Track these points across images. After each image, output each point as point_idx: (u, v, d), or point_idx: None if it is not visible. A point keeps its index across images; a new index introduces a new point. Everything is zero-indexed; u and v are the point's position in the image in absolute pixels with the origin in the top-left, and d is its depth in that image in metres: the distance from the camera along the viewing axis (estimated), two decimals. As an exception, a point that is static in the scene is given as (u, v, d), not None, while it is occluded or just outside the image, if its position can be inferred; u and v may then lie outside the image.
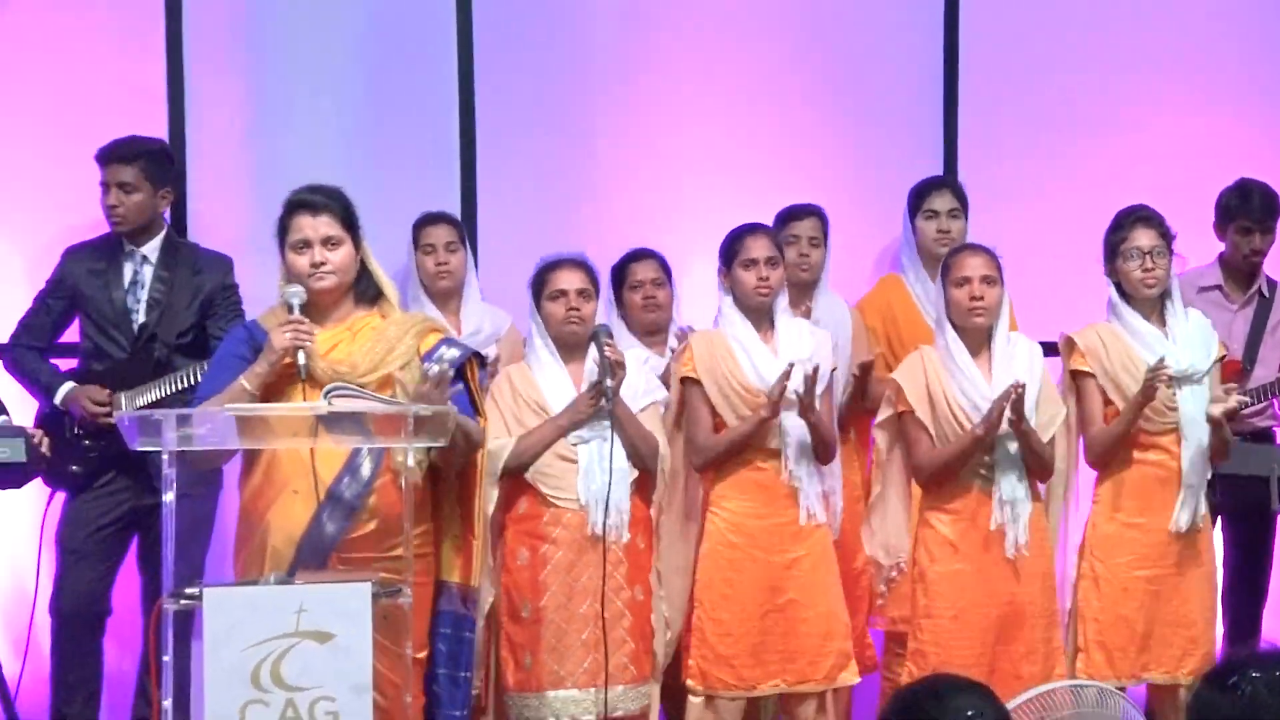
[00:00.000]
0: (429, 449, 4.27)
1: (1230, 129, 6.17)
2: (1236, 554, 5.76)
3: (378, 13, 5.98)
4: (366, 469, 4.25)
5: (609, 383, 4.79)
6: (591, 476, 4.86)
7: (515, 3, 6.04)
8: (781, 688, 5.02)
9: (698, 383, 5.00)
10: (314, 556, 4.19)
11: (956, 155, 6.15)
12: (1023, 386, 4.75)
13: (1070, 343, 5.11)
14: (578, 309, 4.92)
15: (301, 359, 4.18)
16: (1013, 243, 5.41)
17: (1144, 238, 5.03)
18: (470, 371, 4.48)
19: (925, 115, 6.16)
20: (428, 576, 4.39)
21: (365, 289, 4.42)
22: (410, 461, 4.11)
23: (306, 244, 4.30)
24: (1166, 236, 5.07)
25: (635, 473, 4.93)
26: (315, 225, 4.31)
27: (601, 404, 4.83)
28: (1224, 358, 5.20)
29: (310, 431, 4.12)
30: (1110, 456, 5.05)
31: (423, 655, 4.40)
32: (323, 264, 4.30)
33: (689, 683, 5.03)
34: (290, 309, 4.26)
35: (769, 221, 5.47)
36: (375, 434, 4.12)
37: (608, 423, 4.82)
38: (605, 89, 6.09)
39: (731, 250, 5.05)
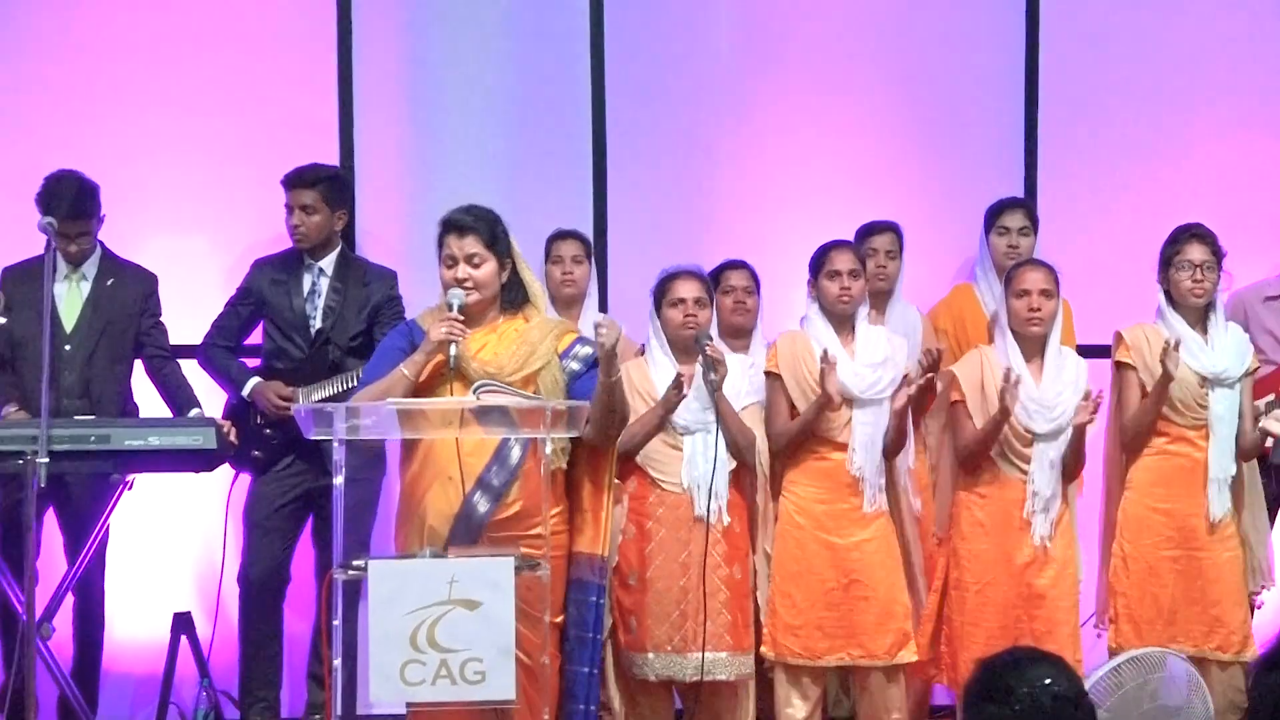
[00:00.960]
0: (570, 439, 4.33)
1: None
2: None
3: (520, 54, 6.01)
4: (514, 457, 4.31)
5: (712, 376, 4.85)
6: (694, 464, 4.92)
7: (644, 42, 6.03)
8: (846, 661, 5.05)
9: (778, 377, 5.05)
10: (465, 535, 4.25)
11: (1036, 179, 6.12)
12: (1018, 378, 4.87)
13: (1119, 337, 5.16)
14: (694, 315, 4.98)
15: (453, 351, 4.25)
16: (1081, 255, 5.49)
17: (1196, 252, 5.08)
18: None
19: (1006, 142, 6.13)
20: (562, 551, 4.42)
21: (513, 297, 4.47)
22: (548, 450, 4.15)
23: (454, 260, 4.40)
24: (1217, 253, 5.10)
25: (734, 463, 4.97)
26: (461, 245, 4.39)
27: (685, 394, 4.87)
28: (1256, 370, 5.20)
29: (461, 423, 4.17)
30: (1141, 440, 5.10)
31: (559, 620, 4.43)
32: (465, 280, 4.38)
33: (763, 649, 5.06)
34: (450, 308, 4.33)
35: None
36: (520, 425, 4.16)
37: (712, 417, 4.88)
38: (723, 119, 6.08)
39: (819, 263, 5.10)
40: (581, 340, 4.52)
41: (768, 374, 5.11)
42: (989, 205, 5.85)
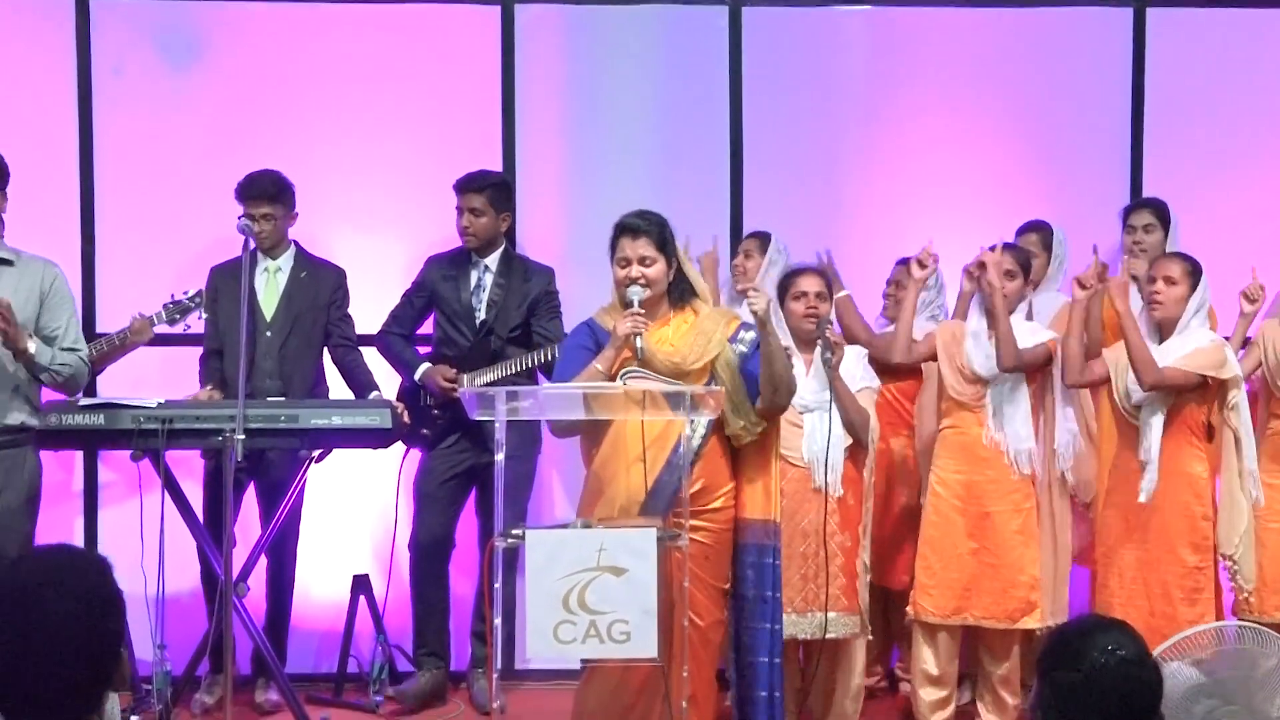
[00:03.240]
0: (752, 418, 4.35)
1: None
2: None
3: (665, 72, 5.99)
4: (697, 439, 4.31)
5: (829, 357, 4.83)
6: (814, 439, 4.88)
7: (779, 61, 5.99)
8: (969, 621, 5.01)
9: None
10: (655, 510, 4.24)
11: (1142, 187, 6.01)
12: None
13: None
14: (815, 307, 4.96)
15: (639, 343, 4.26)
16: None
17: None
18: None
19: (1116, 154, 6.04)
20: (731, 524, 4.43)
21: (681, 294, 4.47)
22: (686, 430, 4.16)
23: (627, 261, 4.39)
24: None
25: (849, 440, 4.93)
26: (635, 246, 4.39)
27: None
28: None
29: (640, 407, 4.17)
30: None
31: (728, 586, 4.45)
32: (639, 278, 4.36)
33: (907, 610, 5.11)
34: (631, 304, 4.32)
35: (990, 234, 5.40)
36: (695, 408, 4.14)
37: (828, 396, 4.84)
38: (852, 133, 6.04)
39: (784, 287, 5.04)
40: (745, 326, 4.50)
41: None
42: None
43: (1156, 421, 4.88)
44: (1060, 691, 2.65)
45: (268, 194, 5.43)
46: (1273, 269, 5.19)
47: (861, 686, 5.10)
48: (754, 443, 4.48)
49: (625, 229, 4.43)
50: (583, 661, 4.33)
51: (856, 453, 5.00)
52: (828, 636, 4.89)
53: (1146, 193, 5.96)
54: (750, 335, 4.45)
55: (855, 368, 5.03)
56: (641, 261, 4.39)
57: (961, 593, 5.01)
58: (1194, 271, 4.95)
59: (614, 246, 4.44)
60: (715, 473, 4.34)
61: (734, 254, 5.70)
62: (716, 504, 4.35)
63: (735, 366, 4.40)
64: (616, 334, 4.31)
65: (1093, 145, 6.05)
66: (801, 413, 4.94)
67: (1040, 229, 5.62)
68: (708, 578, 4.28)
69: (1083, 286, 5.01)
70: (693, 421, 4.26)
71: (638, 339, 4.27)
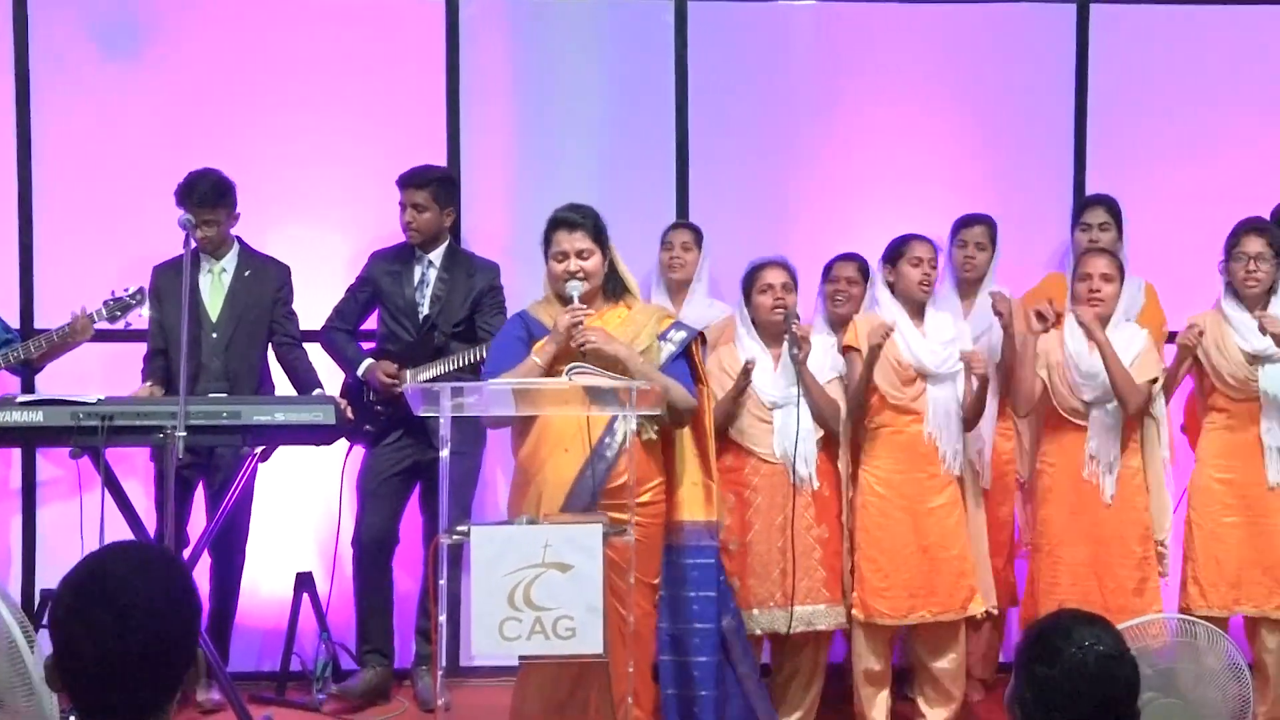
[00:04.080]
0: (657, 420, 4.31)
1: None
2: None
3: (612, 66, 6.01)
4: (620, 432, 4.30)
5: (795, 352, 4.87)
6: (785, 434, 4.92)
7: (725, 54, 6.02)
8: (926, 618, 5.02)
9: (857, 351, 5.02)
10: (580, 503, 4.27)
11: (1084, 180, 6.07)
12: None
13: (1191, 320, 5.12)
14: (782, 299, 4.99)
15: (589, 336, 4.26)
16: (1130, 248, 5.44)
17: (1252, 245, 5.04)
18: (695, 348, 4.54)
19: (1059, 147, 6.09)
20: (660, 519, 4.44)
21: (613, 287, 4.48)
22: (632, 425, 4.16)
23: (564, 254, 4.40)
24: (1274, 245, 5.05)
25: (820, 431, 4.97)
26: (571, 240, 4.40)
27: (749, 379, 4.92)
28: None
29: (577, 402, 4.20)
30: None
31: (657, 581, 4.45)
32: (577, 271, 4.37)
33: (853, 612, 5.04)
34: (572, 299, 4.33)
35: (938, 228, 5.50)
36: (608, 404, 4.16)
37: (797, 391, 4.86)
38: (799, 126, 6.05)
39: (899, 251, 5.08)
40: (677, 325, 4.53)
41: (847, 349, 5.09)
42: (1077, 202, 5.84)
43: (1113, 421, 4.96)
44: (1038, 686, 2.66)
45: (209, 201, 5.40)
46: (1212, 263, 5.25)
47: (824, 679, 5.15)
48: (695, 445, 4.50)
49: (561, 223, 4.44)
50: (520, 659, 4.34)
51: (828, 444, 5.02)
52: (811, 629, 4.95)
53: (1090, 186, 6.03)
54: (680, 335, 4.47)
55: (823, 358, 5.05)
56: (579, 255, 4.40)
57: (915, 590, 5.03)
58: (1122, 268, 5.07)
59: (549, 241, 4.45)
60: (641, 466, 4.31)
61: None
62: (644, 498, 4.33)
63: (659, 363, 4.40)
64: (556, 328, 4.32)
65: (1037, 139, 6.10)
66: (770, 409, 4.96)
67: (985, 222, 5.66)
68: (637, 572, 4.25)
69: (1042, 319, 5.01)
70: (622, 416, 4.25)
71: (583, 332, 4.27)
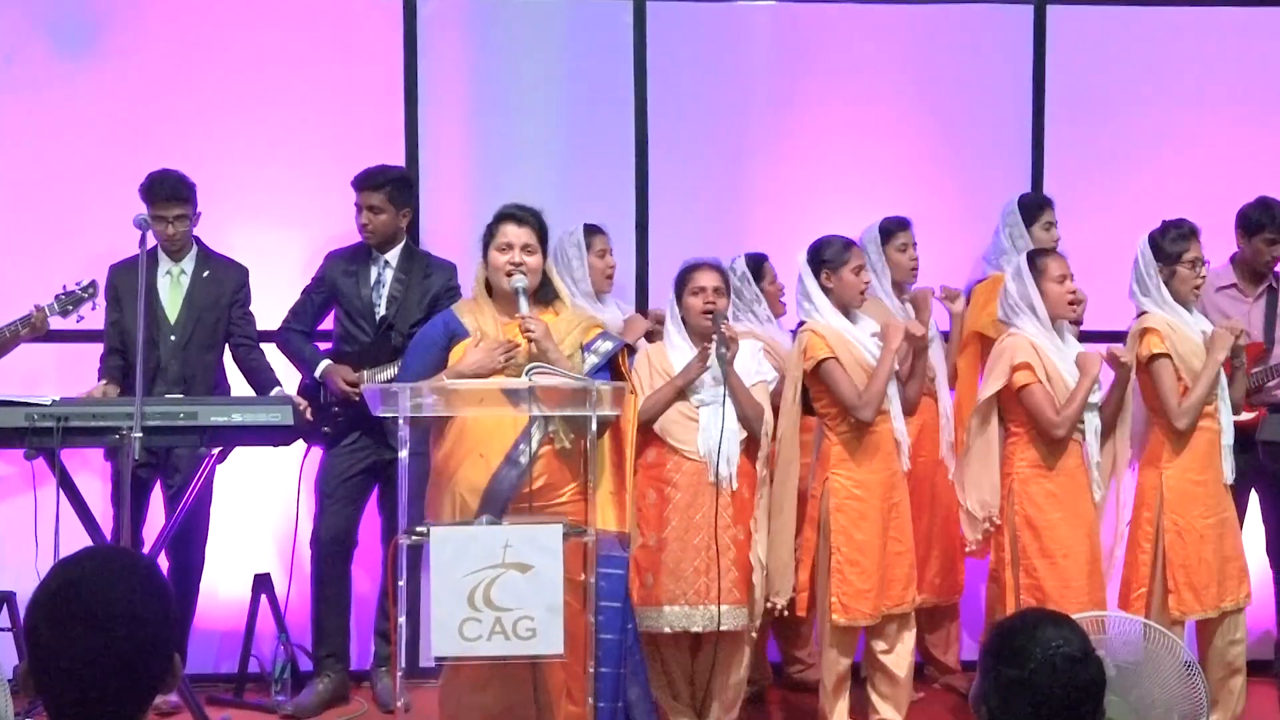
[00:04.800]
0: (573, 426, 4.28)
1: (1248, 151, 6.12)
2: (1277, 508, 5.73)
3: (570, 64, 6.04)
4: (536, 437, 4.28)
5: (723, 351, 4.86)
6: (709, 433, 4.93)
7: (683, 53, 6.05)
8: (885, 610, 5.05)
9: (837, 359, 5.01)
10: (493, 507, 4.22)
11: (1043, 177, 6.13)
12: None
13: (1148, 330, 5.04)
14: (713, 302, 4.99)
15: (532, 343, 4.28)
16: (1086, 247, 5.50)
17: (1197, 249, 5.09)
18: (620, 359, 4.53)
19: (1016, 144, 6.15)
20: (578, 521, 4.36)
21: (545, 293, 4.49)
22: (593, 427, 4.12)
23: (509, 246, 4.40)
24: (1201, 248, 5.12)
25: (744, 433, 4.98)
26: (519, 234, 4.41)
27: (707, 366, 4.92)
28: None
29: (502, 402, 4.18)
30: (1196, 422, 5.03)
31: (583, 579, 4.31)
32: (521, 265, 4.39)
33: (834, 617, 5.00)
34: (517, 293, 4.34)
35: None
36: (556, 406, 4.16)
37: (724, 390, 4.88)
38: (756, 124, 6.09)
39: (841, 259, 5.07)
40: (604, 335, 4.54)
41: (825, 360, 5.02)
42: (1029, 202, 5.84)
43: (1097, 423, 5.04)
44: (1003, 687, 2.64)
45: (179, 195, 5.40)
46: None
47: (745, 679, 5.17)
48: (610, 454, 4.47)
49: (509, 216, 4.46)
50: (436, 660, 4.28)
51: (750, 446, 5.04)
52: (721, 627, 4.95)
53: (1047, 184, 6.09)
54: (607, 345, 4.48)
55: (750, 361, 5.08)
56: (524, 249, 4.41)
57: (900, 587, 5.07)
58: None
59: (493, 233, 4.46)
60: (556, 470, 4.31)
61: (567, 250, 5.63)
62: (562, 499, 4.33)
63: (581, 374, 4.38)
64: (483, 362, 4.32)
65: (995, 138, 6.16)
66: (697, 407, 4.99)
67: (906, 226, 5.69)
68: (569, 571, 4.16)
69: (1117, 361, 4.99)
70: (535, 419, 4.25)
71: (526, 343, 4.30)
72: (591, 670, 4.18)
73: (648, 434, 5.00)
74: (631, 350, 4.86)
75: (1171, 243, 5.10)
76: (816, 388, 5.09)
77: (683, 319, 5.09)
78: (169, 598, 2.29)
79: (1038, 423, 4.94)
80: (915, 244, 5.67)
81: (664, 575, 4.99)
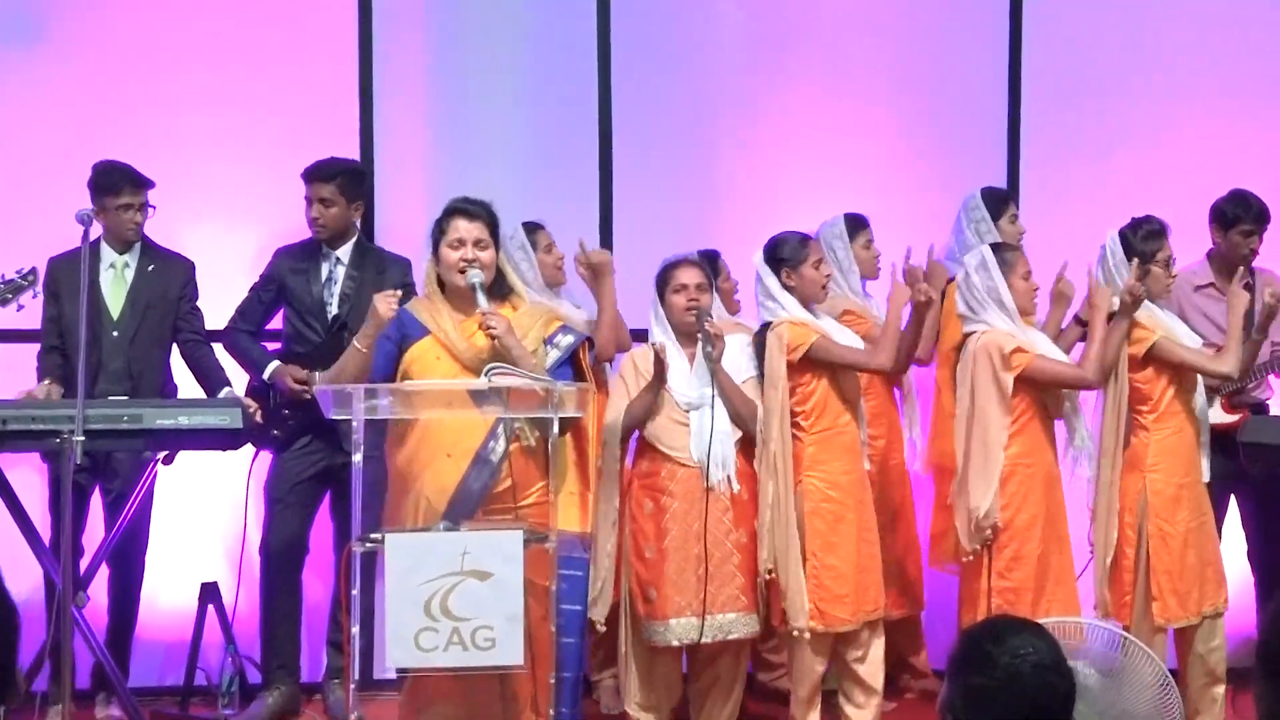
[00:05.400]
0: (537, 424, 4.29)
1: (1226, 143, 6.11)
2: (1260, 514, 5.71)
3: (532, 52, 6.00)
4: (503, 437, 4.29)
5: (709, 350, 4.83)
6: (702, 437, 4.88)
7: (649, 42, 6.02)
8: (866, 616, 5.01)
9: (825, 339, 4.98)
10: (463, 508, 4.22)
11: (1019, 169, 6.13)
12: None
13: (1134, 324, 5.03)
14: (696, 299, 4.95)
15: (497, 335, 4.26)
16: (1061, 241, 5.47)
17: (1169, 248, 5.09)
18: (581, 353, 4.51)
19: (992, 135, 6.13)
20: (545, 523, 4.33)
21: (499, 288, 4.46)
22: (555, 429, 4.15)
23: (461, 242, 4.39)
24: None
25: (739, 433, 4.94)
26: (470, 229, 4.40)
27: (665, 363, 4.88)
28: None
29: (466, 404, 4.18)
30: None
31: (550, 585, 4.32)
32: (474, 260, 4.36)
33: (811, 623, 4.94)
34: (475, 288, 4.33)
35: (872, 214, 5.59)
36: (516, 407, 4.16)
37: (712, 391, 4.83)
38: (724, 115, 6.07)
39: (800, 256, 5.03)
40: (564, 329, 4.52)
41: (815, 345, 4.98)
42: (994, 195, 5.81)
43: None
44: (971, 695, 2.65)
45: (137, 181, 5.35)
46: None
47: (741, 694, 5.13)
48: (573, 454, 4.47)
49: (460, 211, 4.44)
50: (397, 671, 4.28)
51: (747, 446, 4.99)
52: (728, 638, 4.91)
53: (1024, 177, 6.09)
54: (568, 339, 4.47)
55: (739, 358, 5.02)
56: (476, 244, 4.39)
57: (875, 591, 5.04)
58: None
59: (443, 228, 4.44)
60: (523, 471, 4.30)
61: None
62: (529, 500, 4.31)
63: (543, 370, 4.36)
64: (375, 310, 4.33)
65: (971, 124, 6.15)
66: (686, 410, 4.93)
67: (866, 224, 5.69)
68: (533, 576, 4.23)
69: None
70: (501, 420, 4.23)
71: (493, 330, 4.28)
72: (553, 681, 4.15)
73: (640, 441, 4.99)
74: (592, 344, 4.83)
75: (1144, 241, 5.11)
76: (799, 380, 5.02)
77: (667, 318, 5.03)
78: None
79: (1062, 388, 4.97)
80: (873, 240, 5.67)
81: (667, 588, 4.91)
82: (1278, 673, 2.47)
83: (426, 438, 4.31)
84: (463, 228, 4.41)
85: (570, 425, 4.41)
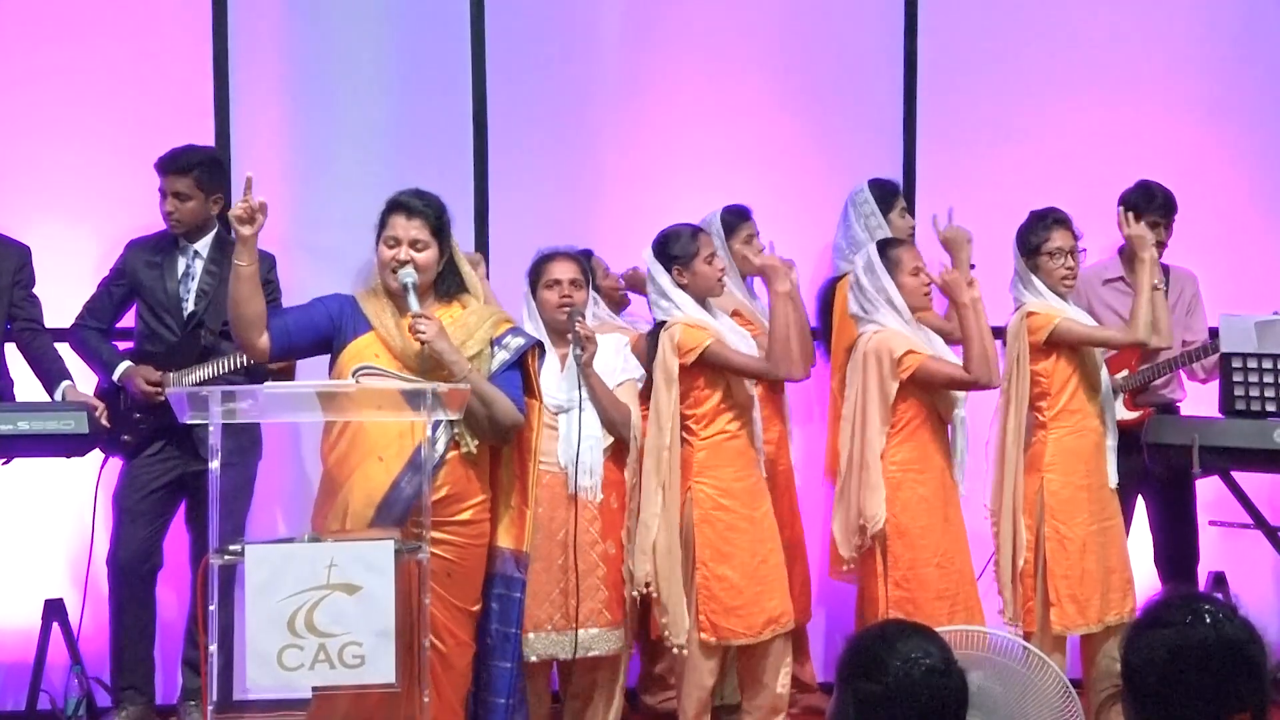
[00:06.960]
0: (475, 431, 4.26)
1: (1128, 131, 6.17)
2: (1164, 515, 5.74)
3: (400, 33, 5.91)
4: (441, 442, 4.25)
5: (579, 353, 4.77)
6: (570, 442, 4.81)
7: (525, 23, 5.96)
8: (776, 630, 4.97)
9: (720, 343, 4.93)
10: (391, 517, 4.18)
11: (915, 159, 6.12)
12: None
13: (1038, 319, 5.09)
14: (569, 296, 4.89)
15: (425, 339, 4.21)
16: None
17: (1067, 239, 5.14)
18: (530, 357, 4.51)
19: (886, 122, 6.12)
20: (483, 540, 4.38)
21: (448, 286, 4.43)
22: (429, 431, 4.10)
23: (396, 241, 4.34)
24: (1075, 236, 5.17)
25: (609, 439, 4.88)
26: (407, 227, 4.34)
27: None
28: None
29: (394, 406, 4.11)
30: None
31: (477, 609, 4.39)
32: (407, 261, 4.31)
33: (701, 635, 4.92)
34: (406, 289, 4.28)
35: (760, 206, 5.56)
36: (404, 408, 4.08)
37: (580, 394, 4.79)
38: (605, 99, 6.02)
39: (693, 250, 5.01)
40: (514, 331, 4.49)
41: (712, 346, 4.93)
42: (887, 190, 5.82)
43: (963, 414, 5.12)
44: (861, 703, 2.64)
45: None
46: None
47: (623, 704, 5.06)
48: (513, 465, 4.45)
49: (400, 206, 4.39)
50: (313, 689, 4.24)
51: (619, 453, 4.93)
52: (591, 653, 4.84)
53: (920, 167, 6.09)
54: (517, 342, 4.44)
55: (614, 359, 4.96)
56: (413, 244, 4.35)
57: (766, 603, 4.97)
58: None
59: (383, 224, 4.39)
60: (462, 481, 4.27)
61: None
62: (464, 515, 4.28)
63: (489, 372, 4.34)
64: (239, 231, 4.30)
65: (865, 114, 6.14)
66: (556, 413, 4.86)
67: (748, 216, 5.66)
68: (451, 597, 4.21)
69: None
70: (440, 423, 4.19)
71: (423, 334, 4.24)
72: (427, 700, 4.06)
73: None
74: (543, 349, 4.77)
75: (1032, 234, 5.18)
76: (691, 384, 4.98)
77: (539, 314, 4.96)
78: None
79: (952, 389, 4.97)
80: (758, 232, 5.61)
81: (529, 599, 4.77)
82: (1141, 692, 2.52)
83: (359, 437, 4.26)
84: (400, 225, 4.35)
85: (512, 435, 4.40)
